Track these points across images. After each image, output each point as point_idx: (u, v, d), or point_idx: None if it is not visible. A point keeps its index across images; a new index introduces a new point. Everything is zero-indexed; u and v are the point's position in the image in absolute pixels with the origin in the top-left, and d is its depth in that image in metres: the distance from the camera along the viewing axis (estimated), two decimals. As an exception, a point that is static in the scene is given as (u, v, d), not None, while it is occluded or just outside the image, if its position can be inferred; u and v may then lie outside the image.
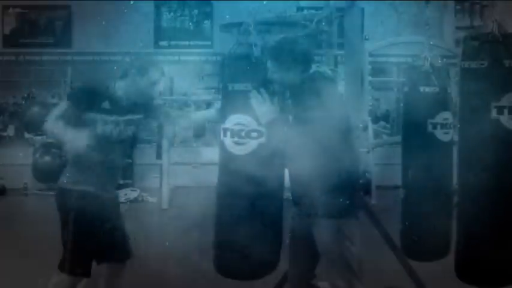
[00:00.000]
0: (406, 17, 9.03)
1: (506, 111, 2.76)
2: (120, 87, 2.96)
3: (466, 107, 2.94)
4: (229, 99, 2.79)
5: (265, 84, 2.70)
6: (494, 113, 2.77)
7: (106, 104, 2.90)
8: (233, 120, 2.74)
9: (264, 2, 2.83)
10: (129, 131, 3.02)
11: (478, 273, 2.90)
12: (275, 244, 2.87)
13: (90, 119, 2.87)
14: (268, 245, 2.84)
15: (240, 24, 2.89)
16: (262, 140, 2.71)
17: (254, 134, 2.72)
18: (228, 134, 2.75)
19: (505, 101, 2.76)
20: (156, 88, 3.01)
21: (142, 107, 3.05)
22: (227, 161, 2.80)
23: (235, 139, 2.73)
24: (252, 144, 2.72)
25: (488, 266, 2.86)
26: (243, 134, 2.72)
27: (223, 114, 2.81)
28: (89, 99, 2.87)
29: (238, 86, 2.72)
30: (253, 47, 2.74)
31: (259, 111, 2.67)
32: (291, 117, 2.67)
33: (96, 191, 2.94)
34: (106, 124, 2.90)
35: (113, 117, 2.92)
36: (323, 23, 3.32)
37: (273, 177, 2.80)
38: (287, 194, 2.85)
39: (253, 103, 2.67)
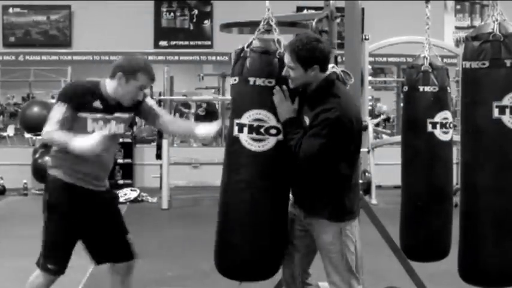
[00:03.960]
0: (406, 17, 9.02)
1: (508, 110, 2.75)
2: (110, 87, 2.91)
3: (467, 107, 2.94)
4: (249, 94, 2.69)
5: (287, 81, 2.65)
6: (496, 113, 2.77)
7: (97, 103, 2.87)
8: (251, 116, 2.66)
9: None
10: (119, 129, 2.99)
11: (481, 274, 2.89)
12: (281, 242, 2.80)
13: (82, 117, 2.86)
14: (280, 244, 2.79)
15: (239, 24, 2.87)
16: (280, 137, 2.66)
17: (273, 131, 2.65)
18: (245, 129, 2.66)
19: (506, 101, 2.75)
20: (142, 92, 2.95)
21: (132, 106, 3.01)
22: (242, 158, 2.70)
23: (254, 135, 2.65)
24: (270, 141, 2.66)
25: (491, 266, 2.85)
26: (262, 130, 2.65)
27: (239, 109, 2.72)
28: (83, 99, 2.85)
29: (262, 81, 2.65)
30: (277, 43, 2.69)
31: (280, 109, 2.63)
32: (307, 119, 2.62)
33: (85, 185, 2.93)
34: (96, 122, 2.88)
35: (102, 115, 2.89)
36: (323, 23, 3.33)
37: (287, 175, 2.75)
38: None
39: (275, 99, 2.63)
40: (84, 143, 2.72)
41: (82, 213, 2.93)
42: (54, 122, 2.80)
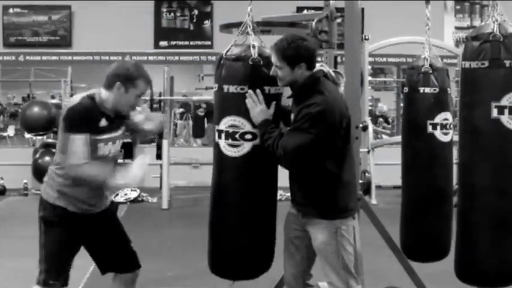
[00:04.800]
0: (406, 17, 9.02)
1: (506, 111, 2.75)
2: (108, 99, 2.72)
3: (466, 106, 2.94)
4: (224, 101, 2.77)
5: (261, 86, 2.69)
6: (494, 113, 2.77)
7: (103, 122, 2.71)
8: (227, 122, 2.73)
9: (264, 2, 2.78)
10: (119, 146, 2.86)
11: (478, 274, 2.90)
12: (269, 244, 2.89)
13: (92, 141, 2.67)
14: (262, 245, 2.86)
15: (239, 24, 2.87)
16: (257, 141, 2.71)
17: (248, 136, 2.72)
18: (223, 135, 2.75)
19: (505, 101, 2.76)
20: (141, 99, 2.80)
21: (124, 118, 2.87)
22: (222, 163, 2.80)
23: (230, 141, 2.73)
24: (246, 146, 2.72)
25: (488, 266, 2.85)
26: (237, 136, 2.72)
27: (217, 116, 2.80)
28: (90, 122, 2.66)
29: (235, 88, 2.71)
30: (252, 48, 2.72)
31: (252, 112, 2.67)
32: (292, 116, 2.65)
33: (87, 211, 2.81)
34: (105, 143, 2.74)
35: (109, 135, 2.74)
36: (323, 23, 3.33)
37: (267, 178, 2.82)
38: (280, 194, 2.86)
39: (248, 103, 2.67)
40: (130, 177, 2.64)
41: (84, 232, 2.83)
42: (81, 155, 2.59)
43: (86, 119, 2.65)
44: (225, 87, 2.73)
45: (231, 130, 2.72)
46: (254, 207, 2.80)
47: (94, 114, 2.67)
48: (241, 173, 2.76)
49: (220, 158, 2.79)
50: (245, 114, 2.69)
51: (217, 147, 2.80)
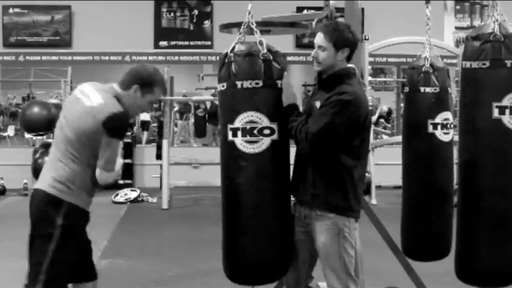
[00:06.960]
0: (406, 17, 9.02)
1: (508, 111, 2.75)
2: (126, 102, 2.66)
3: (467, 106, 2.94)
4: (238, 98, 2.70)
5: (274, 80, 2.70)
6: (496, 113, 2.77)
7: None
8: (244, 119, 2.67)
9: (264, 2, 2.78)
10: None
11: (478, 274, 2.90)
12: (289, 242, 2.78)
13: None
14: (283, 245, 2.77)
15: (239, 24, 2.87)
16: (275, 137, 2.68)
17: (267, 131, 2.67)
18: (239, 133, 2.68)
19: (506, 101, 2.75)
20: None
21: None
22: (239, 161, 2.71)
23: (248, 137, 2.67)
24: (265, 142, 2.67)
25: (488, 266, 2.85)
26: (255, 131, 2.66)
27: (231, 114, 2.73)
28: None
29: (249, 83, 2.66)
30: (259, 44, 2.70)
31: (287, 92, 2.68)
32: (318, 103, 2.64)
33: (86, 207, 2.70)
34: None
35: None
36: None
37: (284, 174, 2.77)
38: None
39: (284, 83, 2.68)
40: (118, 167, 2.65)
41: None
42: (118, 162, 2.61)
43: (127, 126, 2.65)
44: (239, 83, 2.67)
45: (248, 126, 2.66)
46: (275, 205, 2.73)
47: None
48: (261, 169, 2.69)
49: (236, 156, 2.70)
50: (262, 109, 2.66)
51: (231, 145, 2.70)
